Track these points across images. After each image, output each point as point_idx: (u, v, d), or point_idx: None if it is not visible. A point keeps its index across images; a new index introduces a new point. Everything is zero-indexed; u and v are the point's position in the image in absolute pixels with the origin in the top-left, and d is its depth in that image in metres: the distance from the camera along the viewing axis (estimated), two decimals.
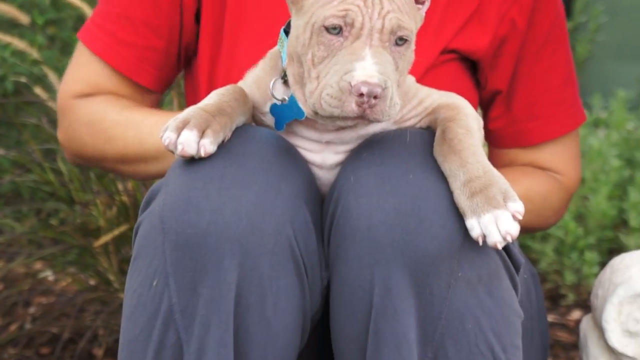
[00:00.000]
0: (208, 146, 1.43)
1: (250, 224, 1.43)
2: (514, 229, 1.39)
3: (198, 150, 1.43)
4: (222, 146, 1.46)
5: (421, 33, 1.58)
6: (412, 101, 1.55)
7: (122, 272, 2.69)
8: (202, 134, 1.43)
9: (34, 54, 2.66)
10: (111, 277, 2.70)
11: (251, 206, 1.43)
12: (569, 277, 2.97)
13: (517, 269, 1.56)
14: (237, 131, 1.49)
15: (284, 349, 1.48)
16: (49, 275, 2.99)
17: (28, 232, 2.79)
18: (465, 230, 1.44)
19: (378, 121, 1.41)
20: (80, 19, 3.26)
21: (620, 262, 1.81)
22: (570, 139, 1.89)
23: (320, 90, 1.41)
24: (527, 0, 1.80)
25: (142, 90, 1.87)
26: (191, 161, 1.46)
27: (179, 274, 1.44)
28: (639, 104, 3.84)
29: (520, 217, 1.40)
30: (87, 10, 2.82)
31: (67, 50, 3.29)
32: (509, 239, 1.39)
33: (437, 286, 1.44)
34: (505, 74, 1.83)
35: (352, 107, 1.38)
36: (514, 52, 1.82)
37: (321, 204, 1.55)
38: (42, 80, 3.04)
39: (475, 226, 1.41)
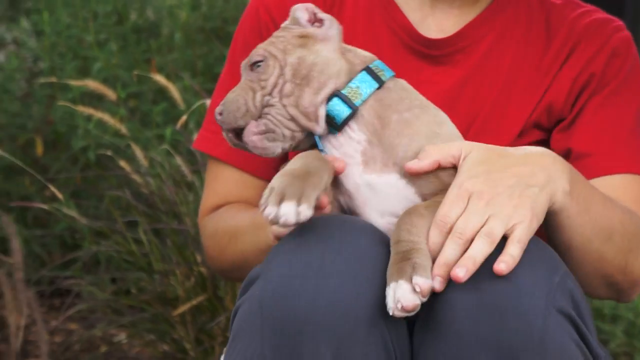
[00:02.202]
0: (306, 211, 1.49)
1: (346, 313, 1.49)
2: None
3: (298, 218, 1.49)
4: (321, 233, 1.53)
5: (497, 122, 1.62)
6: None
7: (198, 341, 2.76)
8: (298, 202, 1.50)
9: (123, 129, 2.76)
10: (187, 346, 2.76)
11: (348, 296, 1.49)
12: None
13: None
14: (335, 219, 1.56)
15: None
16: (124, 340, 3.06)
17: (110, 299, 2.86)
18: (546, 324, 1.48)
19: None
20: (160, 91, 3.37)
21: None
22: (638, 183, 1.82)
23: None
24: (607, 49, 1.82)
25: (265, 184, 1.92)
26: (291, 248, 1.53)
27: (276, 359, 1.50)
28: None
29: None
30: (170, 87, 2.94)
31: (146, 121, 3.39)
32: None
33: None
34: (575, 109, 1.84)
35: None
36: (588, 93, 1.83)
37: None
38: (124, 152, 3.14)
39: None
